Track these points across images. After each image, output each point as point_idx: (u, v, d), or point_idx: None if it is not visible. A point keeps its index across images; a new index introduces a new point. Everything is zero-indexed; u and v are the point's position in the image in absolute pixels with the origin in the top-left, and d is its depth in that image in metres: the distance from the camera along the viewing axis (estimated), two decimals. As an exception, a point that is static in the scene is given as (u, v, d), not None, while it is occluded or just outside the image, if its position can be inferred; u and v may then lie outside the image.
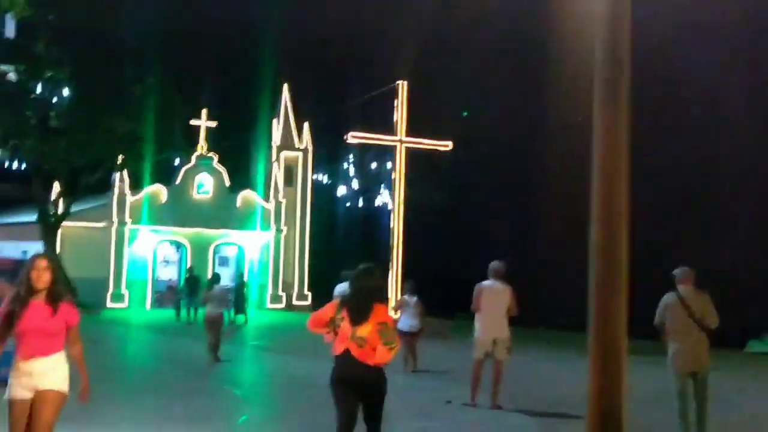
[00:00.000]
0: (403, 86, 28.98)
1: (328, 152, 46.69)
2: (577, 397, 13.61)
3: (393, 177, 29.62)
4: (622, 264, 5.86)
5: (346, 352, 7.30)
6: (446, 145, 29.75)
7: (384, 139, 29.54)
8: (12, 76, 14.44)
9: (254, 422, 12.00)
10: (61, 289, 6.56)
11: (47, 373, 6.28)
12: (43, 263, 6.42)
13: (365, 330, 7.20)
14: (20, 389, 6.22)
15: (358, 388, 7.34)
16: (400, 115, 28.80)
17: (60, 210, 37.29)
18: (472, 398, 12.93)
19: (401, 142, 28.93)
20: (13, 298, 6.38)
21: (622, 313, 5.90)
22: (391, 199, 30.38)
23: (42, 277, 6.32)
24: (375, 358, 7.23)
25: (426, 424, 12.10)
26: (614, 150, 5.93)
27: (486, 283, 12.92)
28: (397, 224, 29.01)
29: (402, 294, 19.16)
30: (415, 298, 18.72)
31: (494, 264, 13.09)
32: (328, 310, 7.71)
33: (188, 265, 36.45)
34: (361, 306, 7.37)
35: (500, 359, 12.86)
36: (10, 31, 13.72)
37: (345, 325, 7.33)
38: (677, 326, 10.66)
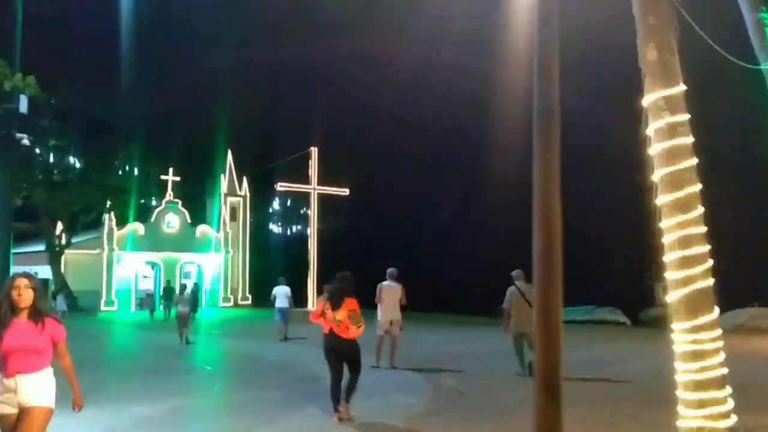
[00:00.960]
0: (315, 151, 29.67)
1: (262, 196, 47.08)
2: (448, 358, 14.50)
3: (309, 213, 30.22)
4: (559, 266, 5.72)
5: (330, 330, 8.31)
6: (345, 191, 30.51)
7: (302, 188, 30.12)
8: (26, 141, 14.44)
9: (224, 390, 12.01)
10: (43, 307, 5.00)
11: (33, 389, 4.78)
12: (23, 282, 4.84)
13: (341, 315, 8.22)
14: (6, 406, 4.73)
15: (341, 353, 8.36)
16: (314, 171, 29.48)
17: (63, 241, 37.10)
18: (377, 361, 13.21)
19: (314, 189, 29.57)
20: None
21: (559, 305, 5.75)
22: (308, 229, 30.90)
23: (24, 296, 4.79)
24: (348, 333, 8.25)
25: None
26: (550, 181, 5.76)
27: (384, 282, 13.48)
28: (313, 247, 29.57)
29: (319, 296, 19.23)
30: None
31: (390, 269, 13.66)
32: (319, 305, 8.75)
33: (165, 279, 36.30)
34: (336, 298, 8.38)
35: (395, 334, 13.41)
36: (23, 107, 13.74)
37: (329, 313, 8.32)
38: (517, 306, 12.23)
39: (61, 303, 32.44)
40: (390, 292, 13.43)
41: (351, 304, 8.36)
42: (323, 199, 30.18)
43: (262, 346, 19.04)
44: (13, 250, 36.44)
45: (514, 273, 12.67)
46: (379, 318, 13.51)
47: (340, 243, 37.36)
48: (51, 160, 37.20)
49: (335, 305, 8.33)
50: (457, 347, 18.22)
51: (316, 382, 11.65)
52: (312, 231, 29.71)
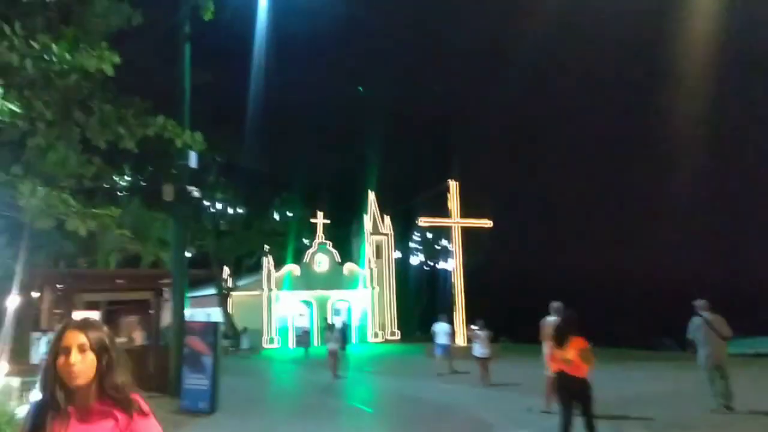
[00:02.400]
0: (454, 184, 29.17)
1: (404, 232, 47.27)
2: (628, 401, 13.06)
3: (451, 248, 29.65)
4: None
5: (561, 370, 7.92)
6: (488, 224, 29.69)
7: (444, 222, 29.60)
8: (196, 194, 14.94)
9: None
10: (121, 381, 2.46)
11: None
12: (77, 337, 2.45)
13: (570, 353, 7.77)
14: None
15: (573, 392, 7.88)
16: (454, 204, 28.95)
17: (230, 284, 39.13)
18: (547, 405, 11.84)
19: (456, 223, 29.01)
20: (36, 409, 2.47)
21: None
22: (452, 263, 30.25)
23: (76, 367, 2.40)
24: (580, 371, 7.79)
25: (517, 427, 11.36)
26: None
27: (550, 318, 12.09)
28: (458, 281, 28.89)
29: (472, 328, 18.35)
30: (485, 332, 17.89)
31: (555, 304, 12.21)
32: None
33: (316, 317, 37.12)
34: (562, 336, 8.01)
35: None
36: (193, 162, 14.19)
37: (556, 352, 8.01)
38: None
39: (245, 341, 33.89)
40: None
41: (579, 342, 7.86)
42: (465, 232, 29.48)
43: (418, 384, 18.48)
44: (190, 294, 38.78)
45: (698, 303, 11.22)
46: (546, 357, 12.09)
47: (484, 276, 36.43)
48: (218, 211, 39.49)
49: (560, 343, 7.94)
50: (635, 387, 15.78)
51: (488, 430, 11.03)
52: (456, 265, 29.02)
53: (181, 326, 14.64)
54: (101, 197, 20.02)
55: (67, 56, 8.80)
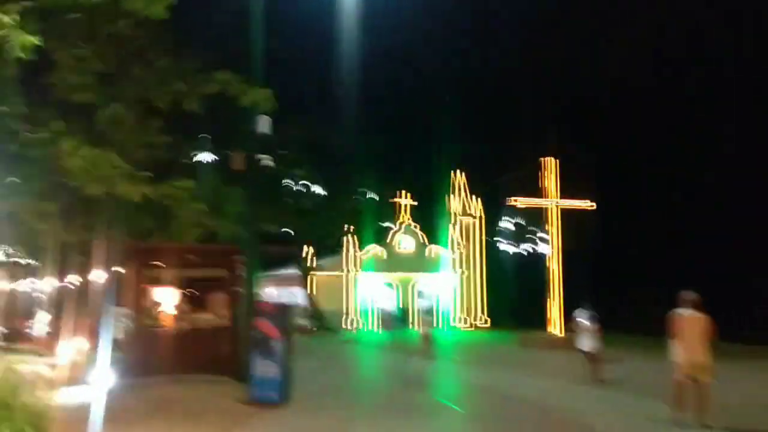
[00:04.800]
0: (552, 161, 26.92)
1: (494, 214, 45.11)
2: None
3: (548, 230, 27.43)
4: None
5: None
6: (592, 205, 27.26)
7: (540, 203, 27.36)
8: (269, 162, 13.57)
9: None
10: None
11: None
12: None
13: None
14: None
15: None
16: (552, 183, 26.70)
17: (312, 264, 38.43)
18: (675, 416, 10.18)
19: (555, 203, 26.78)
20: None
21: None
22: (548, 246, 28.01)
23: None
24: None
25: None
26: None
27: (681, 311, 10.16)
28: (555, 266, 26.69)
29: (578, 319, 16.22)
30: (593, 323, 15.85)
31: (688, 294, 10.25)
32: None
33: (400, 300, 35.87)
34: None
35: (704, 382, 10.06)
36: (264, 127, 12.74)
37: None
38: None
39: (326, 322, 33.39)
40: (691, 325, 10.08)
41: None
42: (564, 214, 27.15)
43: (514, 379, 16.60)
44: (273, 273, 38.32)
45: None
46: (676, 358, 10.21)
47: (584, 261, 33.80)
48: (299, 189, 38.80)
49: None
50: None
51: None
52: (553, 249, 26.80)
53: (252, 307, 13.44)
54: (177, 170, 19.14)
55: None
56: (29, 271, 25.49)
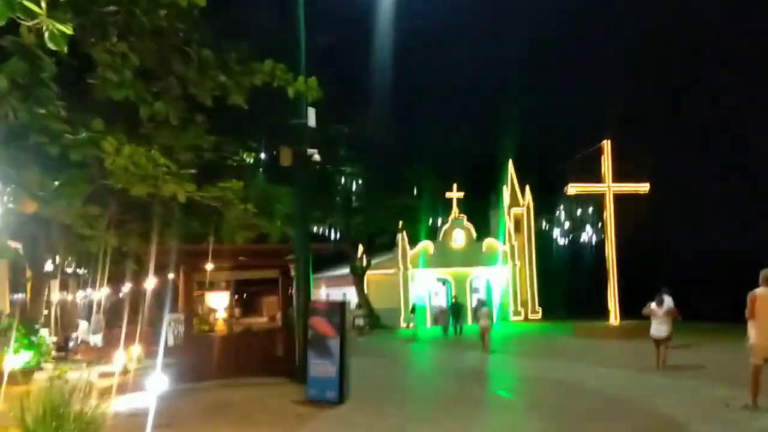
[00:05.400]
0: (607, 144, 25.90)
1: (546, 203, 44.05)
2: None
3: (604, 215, 26.42)
4: None
5: None
6: (645, 188, 26.15)
7: (595, 188, 26.37)
8: (316, 157, 13.15)
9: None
10: None
11: None
12: None
13: None
14: None
15: None
16: (607, 167, 25.70)
17: (364, 263, 38.17)
18: (753, 400, 9.46)
19: (609, 188, 25.78)
20: None
21: None
22: (603, 233, 26.99)
23: None
24: None
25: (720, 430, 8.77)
26: None
27: (759, 290, 9.36)
28: (611, 253, 25.70)
29: (649, 304, 15.28)
30: (664, 307, 14.95)
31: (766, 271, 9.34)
32: None
33: (453, 295, 35.25)
34: None
35: None
36: (311, 120, 12.32)
37: None
38: None
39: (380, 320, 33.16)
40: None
41: None
42: (617, 199, 26.13)
43: (574, 369, 15.89)
44: (326, 274, 38.29)
45: None
46: (752, 340, 9.47)
47: (641, 246, 32.63)
48: (348, 186, 38.57)
49: None
50: None
51: (676, 426, 8.54)
52: (608, 236, 25.83)
53: (306, 306, 13.08)
54: (224, 171, 18.98)
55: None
56: (84, 281, 25.85)
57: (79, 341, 18.83)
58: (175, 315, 16.88)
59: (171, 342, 15.66)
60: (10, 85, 6.98)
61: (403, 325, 36.02)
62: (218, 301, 20.49)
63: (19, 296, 18.57)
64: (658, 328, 14.85)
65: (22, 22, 6.24)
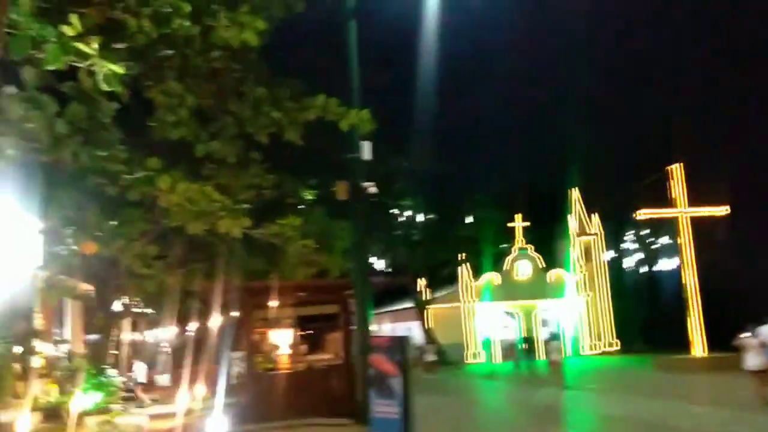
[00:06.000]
0: (677, 168, 24.94)
1: (615, 231, 42.72)
2: None
3: (679, 241, 25.32)
4: None
5: None
6: (723, 211, 24.98)
7: (667, 213, 25.37)
8: (372, 190, 13.01)
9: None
10: None
11: None
12: None
13: None
14: None
15: None
16: (680, 191, 24.71)
17: (427, 296, 37.78)
18: None
19: (683, 213, 24.75)
20: None
21: None
22: (679, 260, 25.84)
23: None
24: None
25: None
26: None
27: None
28: (690, 281, 24.54)
29: (741, 336, 14.28)
30: (760, 338, 14.02)
31: None
32: None
33: (521, 328, 34.35)
34: None
35: None
36: (365, 154, 12.24)
37: None
38: None
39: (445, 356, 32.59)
40: None
41: None
42: (696, 223, 25.03)
43: (662, 408, 14.93)
44: (387, 308, 37.97)
45: None
46: None
47: (722, 272, 31.05)
48: (407, 219, 38.43)
49: None
50: None
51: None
52: (685, 262, 24.71)
53: (366, 342, 12.84)
54: (283, 208, 19.15)
55: (186, 24, 7.23)
56: (151, 321, 26.39)
57: (136, 382, 19.12)
58: (237, 353, 16.94)
59: (233, 381, 15.68)
60: (70, 129, 7.17)
61: (470, 360, 35.27)
62: (281, 338, 20.49)
63: (92, 337, 19.06)
64: (754, 359, 13.91)
65: (77, 65, 6.42)
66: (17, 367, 8.83)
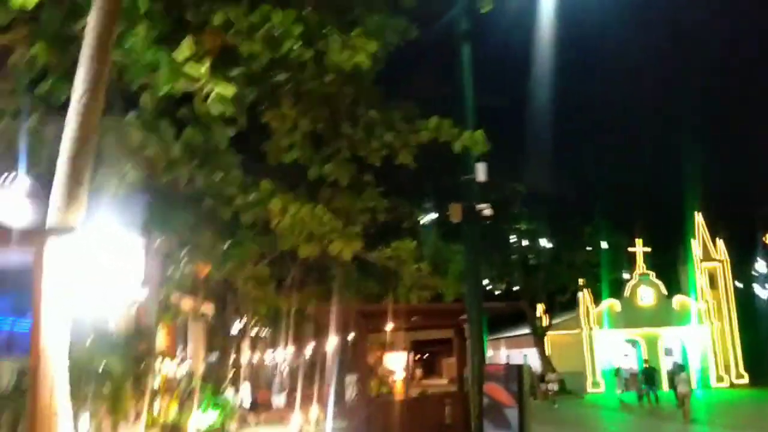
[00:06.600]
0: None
1: (743, 256, 39.25)
2: None
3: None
4: None
5: None
6: None
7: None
8: (488, 212, 12.31)
9: None
10: None
11: None
12: None
13: None
14: None
15: None
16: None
17: (544, 323, 36.32)
18: None
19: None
20: None
21: None
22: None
23: None
24: None
25: None
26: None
27: None
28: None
29: None
30: None
31: None
32: None
33: (644, 358, 31.96)
34: None
35: None
36: (480, 175, 11.62)
37: None
38: None
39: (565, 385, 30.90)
40: None
41: None
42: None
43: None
44: (504, 335, 36.76)
45: None
46: None
47: None
48: (523, 244, 37.14)
49: None
50: None
51: None
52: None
53: (480, 369, 12.11)
54: (397, 231, 18.83)
55: (299, 46, 7.00)
56: (267, 342, 26.78)
57: (242, 403, 19.21)
58: (351, 376, 16.65)
59: (346, 404, 15.36)
60: (186, 153, 7.12)
61: (590, 389, 33.31)
62: (396, 362, 20.06)
63: (212, 357, 19.47)
64: None
65: (191, 90, 6.35)
66: (137, 385, 8.87)
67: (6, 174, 7.11)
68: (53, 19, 6.42)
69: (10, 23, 6.33)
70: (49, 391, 4.62)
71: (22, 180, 7.08)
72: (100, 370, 8.24)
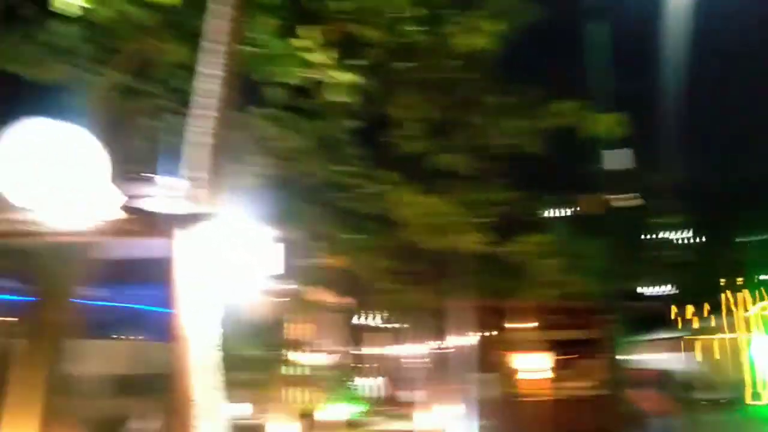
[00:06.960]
0: None
1: None
2: None
3: None
4: None
5: None
6: None
7: None
8: (633, 203, 11.49)
9: None
10: None
11: None
12: None
13: None
14: None
15: None
16: None
17: (695, 325, 33.79)
18: None
19: None
20: None
21: None
22: None
23: None
24: None
25: None
26: None
27: None
28: None
29: None
30: None
31: None
32: None
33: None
34: None
35: None
36: (624, 162, 10.81)
37: None
38: None
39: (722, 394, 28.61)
40: None
41: None
42: None
43: None
44: (649, 337, 34.66)
45: None
46: None
47: None
48: (668, 239, 34.81)
49: None
50: None
51: None
52: None
53: (620, 374, 11.35)
54: (525, 225, 18.19)
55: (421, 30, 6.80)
56: (400, 337, 26.76)
57: (376, 396, 19.27)
58: (487, 375, 16.29)
59: (483, 404, 15.02)
60: (309, 145, 7.17)
61: (750, 400, 30.39)
62: (534, 363, 19.41)
63: (350, 349, 19.80)
64: None
65: (314, 79, 6.34)
66: (274, 375, 9.11)
67: (149, 169, 7.49)
68: (186, 15, 6.64)
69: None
70: (186, 378, 4.71)
71: (162, 174, 7.42)
72: (242, 360, 8.51)
